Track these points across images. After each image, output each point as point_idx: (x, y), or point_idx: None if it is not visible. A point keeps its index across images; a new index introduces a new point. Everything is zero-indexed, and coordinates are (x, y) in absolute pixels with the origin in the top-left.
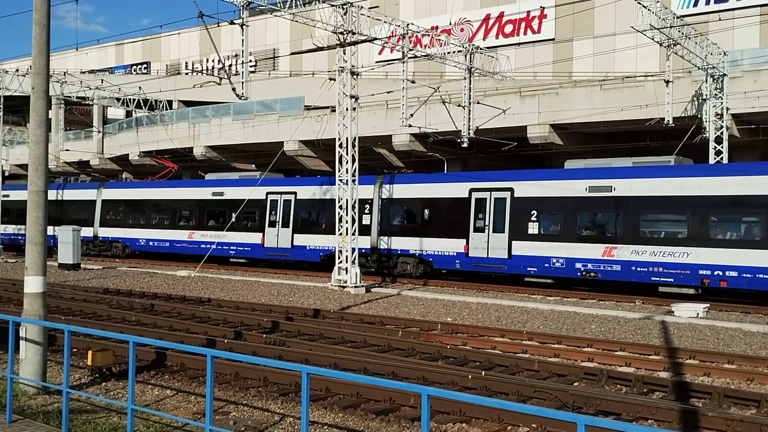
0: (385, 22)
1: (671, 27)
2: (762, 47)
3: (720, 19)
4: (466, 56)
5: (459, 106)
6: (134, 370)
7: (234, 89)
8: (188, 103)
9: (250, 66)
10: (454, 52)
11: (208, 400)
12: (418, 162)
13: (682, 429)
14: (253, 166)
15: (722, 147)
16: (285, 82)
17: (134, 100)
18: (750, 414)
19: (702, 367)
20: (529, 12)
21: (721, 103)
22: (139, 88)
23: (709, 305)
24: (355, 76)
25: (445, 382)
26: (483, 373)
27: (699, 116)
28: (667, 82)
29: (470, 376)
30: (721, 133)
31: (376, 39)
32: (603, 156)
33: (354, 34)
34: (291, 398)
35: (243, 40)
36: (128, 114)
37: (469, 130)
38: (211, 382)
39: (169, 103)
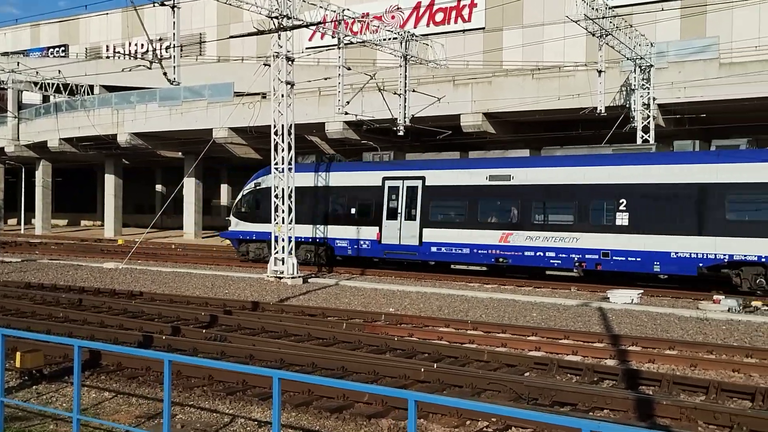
0: (320, 7)
1: (603, 18)
2: (683, 40)
3: (644, 12)
4: (401, 43)
5: (394, 93)
6: (79, 377)
7: (165, 74)
8: (111, 89)
9: None
10: (389, 39)
11: (166, 408)
12: (352, 150)
13: (639, 418)
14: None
15: (649, 136)
16: (213, 67)
17: (53, 84)
18: (700, 401)
19: (646, 354)
20: (459, 1)
21: (648, 93)
22: (59, 71)
23: (642, 291)
24: (290, 62)
25: (398, 376)
26: (435, 365)
27: (627, 106)
28: (600, 72)
29: (422, 369)
30: (648, 122)
31: (313, 24)
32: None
33: (289, 18)
34: (240, 397)
35: (174, 23)
36: (45, 99)
37: (404, 118)
38: (168, 389)
39: (91, 87)
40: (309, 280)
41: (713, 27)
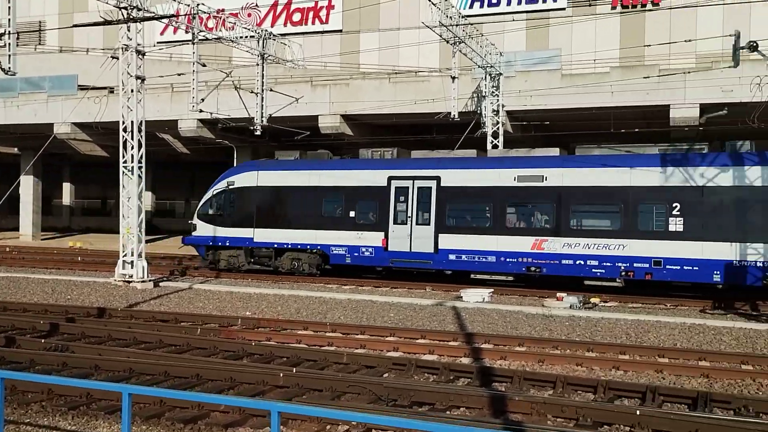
0: (174, 0)
1: (457, 25)
2: (529, 51)
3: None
4: (258, 41)
5: (251, 92)
6: None
7: None
8: None
9: None
10: (246, 36)
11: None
12: (207, 149)
13: (493, 414)
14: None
15: (498, 141)
16: (54, 58)
17: None
18: (548, 395)
19: (498, 351)
20: (317, 2)
21: (498, 100)
22: None
23: (493, 290)
24: (141, 56)
25: (256, 382)
26: (294, 370)
27: (479, 112)
28: (453, 78)
29: (281, 374)
30: (498, 128)
31: (166, 17)
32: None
33: (140, 10)
34: (84, 411)
35: (10, 8)
36: None
37: (262, 117)
38: (2, 408)
39: None
40: (161, 284)
41: (555, 40)
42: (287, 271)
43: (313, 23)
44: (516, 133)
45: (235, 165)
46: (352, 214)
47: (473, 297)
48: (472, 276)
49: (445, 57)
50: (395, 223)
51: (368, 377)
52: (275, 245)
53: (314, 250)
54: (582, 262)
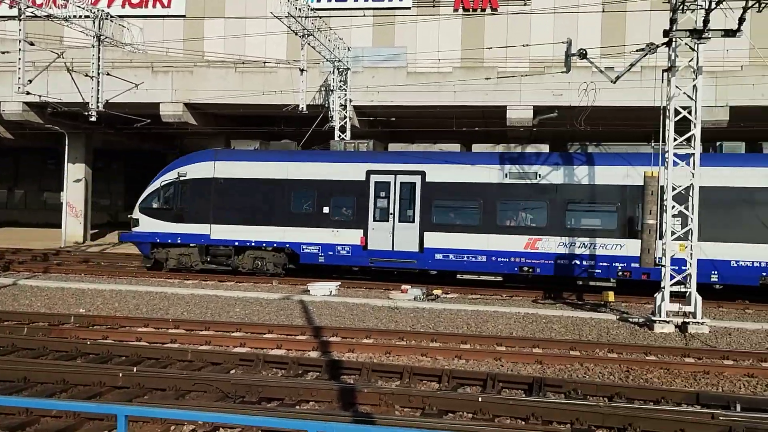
0: None
1: (306, 18)
2: (375, 47)
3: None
4: (94, 22)
5: (86, 76)
6: None
7: None
8: None
9: None
10: (80, 16)
11: None
12: (35, 134)
13: (343, 407)
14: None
15: (346, 135)
16: None
17: None
18: (395, 386)
19: (346, 344)
20: None
21: (345, 94)
22: None
23: (340, 283)
24: None
25: (92, 383)
26: (135, 369)
27: (327, 105)
28: (302, 70)
29: (121, 374)
30: (345, 122)
31: None
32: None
33: None
34: None
35: None
36: None
37: (98, 102)
38: None
39: None
40: None
41: (401, 38)
42: (248, 272)
43: (153, 6)
44: (363, 128)
45: (63, 153)
46: (326, 210)
47: (320, 290)
48: (459, 276)
49: (293, 49)
50: (376, 220)
51: (214, 374)
52: (236, 243)
53: (281, 249)
54: (578, 262)
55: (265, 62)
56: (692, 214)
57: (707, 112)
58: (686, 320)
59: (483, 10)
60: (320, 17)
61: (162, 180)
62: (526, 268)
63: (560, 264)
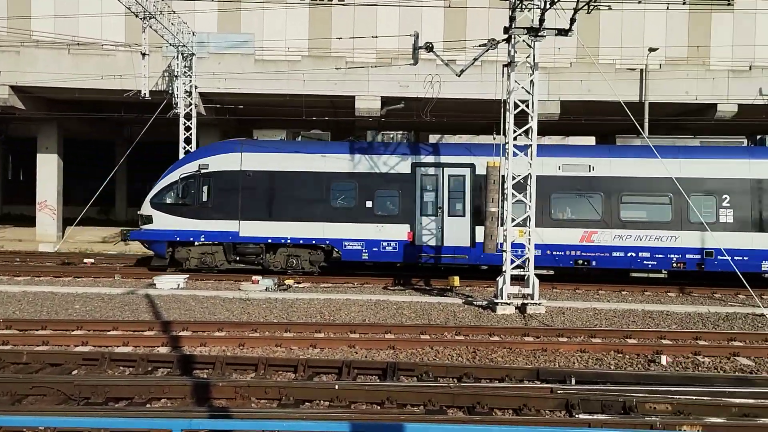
0: None
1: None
2: (221, 33)
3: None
4: None
5: None
6: None
7: None
8: None
9: None
10: None
11: None
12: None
13: (197, 403)
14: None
15: (191, 123)
16: None
17: None
18: (251, 378)
19: (198, 338)
20: None
21: (191, 81)
22: None
23: (188, 276)
24: None
25: None
26: None
27: (171, 92)
28: (144, 54)
29: None
30: (191, 109)
31: None
32: None
33: None
34: None
35: None
36: None
37: None
38: None
39: None
40: None
41: (248, 24)
42: (280, 270)
43: None
44: (210, 116)
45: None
46: (369, 204)
47: (167, 284)
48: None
49: (133, 31)
50: (424, 214)
51: (55, 376)
52: (269, 240)
53: (320, 246)
54: (633, 254)
55: (102, 45)
56: (530, 201)
57: (541, 105)
58: (525, 302)
59: (330, 0)
60: (162, 0)
61: (181, 173)
62: (581, 261)
63: (615, 257)
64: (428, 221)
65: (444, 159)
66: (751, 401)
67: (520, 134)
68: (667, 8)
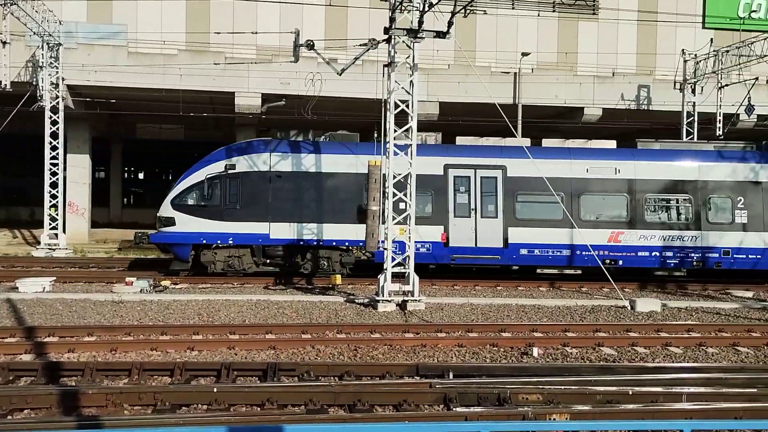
0: None
1: None
2: (91, 23)
3: None
4: None
5: None
6: None
7: None
8: None
9: None
10: None
11: None
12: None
13: (64, 412)
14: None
15: (58, 117)
16: None
17: None
18: (124, 384)
19: (65, 344)
20: None
21: (57, 72)
22: None
23: (54, 278)
24: None
25: None
26: None
27: (35, 83)
28: (4, 43)
29: None
30: (57, 102)
31: None
32: None
33: None
34: None
35: None
36: None
37: None
38: None
39: None
40: None
41: (120, 15)
42: (309, 273)
43: None
44: (78, 110)
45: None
46: (402, 205)
47: (31, 287)
48: (538, 271)
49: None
50: (457, 216)
51: None
52: (301, 242)
53: (353, 247)
54: (657, 254)
55: None
56: (410, 200)
57: (420, 106)
58: (405, 299)
59: None
60: None
61: (206, 173)
62: (608, 261)
63: (641, 256)
64: (461, 222)
65: (475, 161)
66: (613, 389)
67: (400, 134)
68: (539, 15)
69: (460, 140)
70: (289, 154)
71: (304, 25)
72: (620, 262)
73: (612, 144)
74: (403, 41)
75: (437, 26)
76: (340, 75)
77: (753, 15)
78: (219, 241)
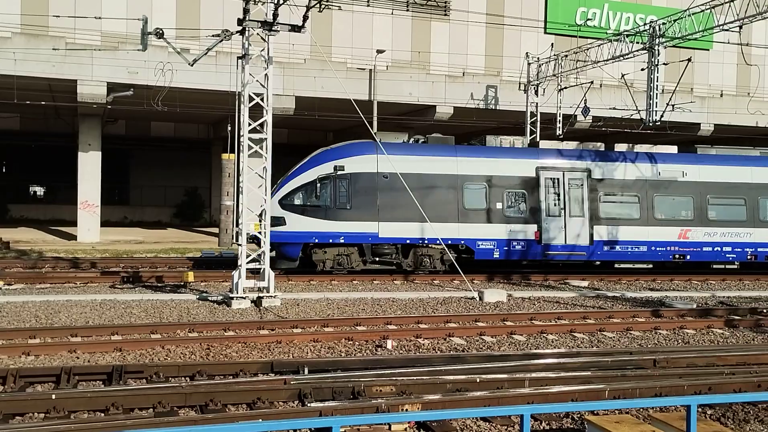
0: None
1: None
2: None
3: None
4: None
5: None
6: None
7: None
8: None
9: None
10: None
11: None
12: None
13: None
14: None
15: None
16: None
17: None
18: None
19: None
20: None
21: None
22: None
23: None
24: None
25: None
26: None
27: None
28: None
29: None
30: None
31: None
32: None
33: None
34: None
35: None
36: None
37: None
38: None
39: None
40: None
41: None
42: (411, 269)
43: None
44: None
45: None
46: (499, 205)
47: None
48: (616, 266)
49: None
50: (548, 215)
51: None
52: (407, 240)
53: (455, 245)
54: (719, 249)
55: None
56: (266, 195)
57: (276, 99)
58: (261, 295)
59: None
60: None
61: (317, 173)
62: (677, 256)
63: (705, 251)
64: (552, 221)
65: (563, 164)
66: (462, 377)
67: (255, 127)
68: (392, 13)
69: (543, 144)
70: (395, 156)
71: (154, 12)
72: (688, 257)
73: (673, 149)
74: (258, 34)
75: (293, 20)
76: (192, 66)
77: (589, 23)
78: (331, 240)
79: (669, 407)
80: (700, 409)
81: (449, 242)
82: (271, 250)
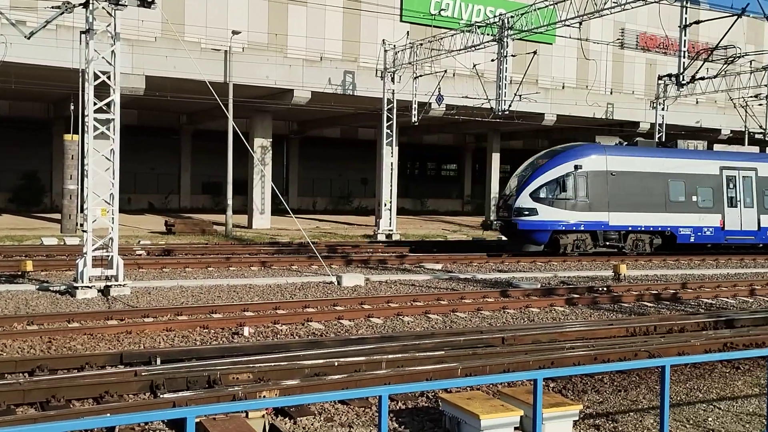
0: None
1: None
2: None
3: None
4: None
5: None
6: None
7: None
8: None
9: None
10: None
11: None
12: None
13: None
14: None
15: None
16: None
17: None
18: None
19: None
20: None
21: None
22: None
23: None
24: None
25: None
26: None
27: None
28: None
29: None
30: None
31: None
32: None
33: None
34: None
35: None
36: None
37: None
38: None
39: None
40: None
41: None
42: (627, 251)
43: None
44: None
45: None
46: (693, 198)
47: None
48: None
49: None
50: (729, 206)
51: None
52: (629, 228)
53: (662, 232)
54: None
55: None
56: (114, 179)
57: (124, 78)
58: (109, 284)
59: None
60: None
61: (563, 171)
62: None
63: None
64: (732, 211)
65: (737, 164)
66: (321, 362)
67: (101, 107)
68: None
69: (718, 147)
70: (620, 157)
71: None
72: None
73: (755, 149)
74: (104, 8)
75: None
76: (29, 39)
77: (443, 13)
78: (574, 228)
79: (516, 382)
80: (543, 383)
81: (659, 229)
82: (519, 236)
